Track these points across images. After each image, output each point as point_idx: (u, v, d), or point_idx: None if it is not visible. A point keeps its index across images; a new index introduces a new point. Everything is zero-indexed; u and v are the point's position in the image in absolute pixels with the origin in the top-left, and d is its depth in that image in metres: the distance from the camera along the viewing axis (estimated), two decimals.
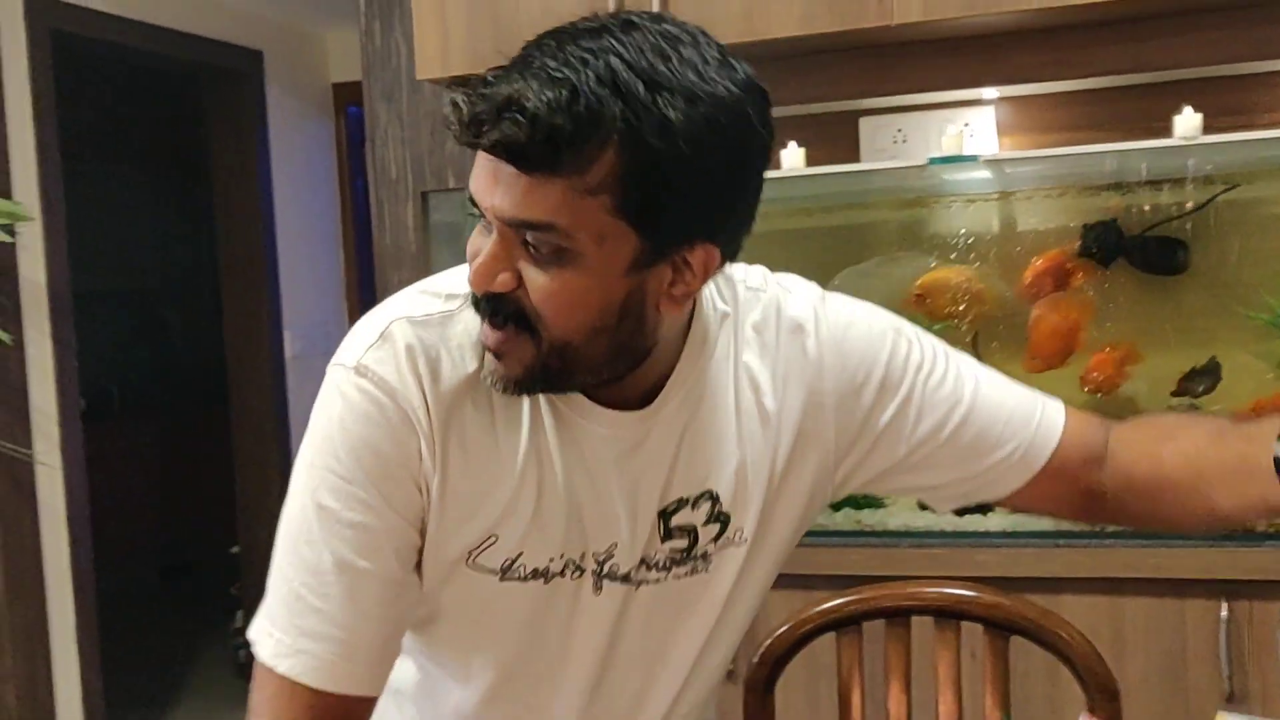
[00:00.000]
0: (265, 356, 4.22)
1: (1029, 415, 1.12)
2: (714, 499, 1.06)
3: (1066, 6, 2.13)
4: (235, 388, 4.30)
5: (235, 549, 4.63)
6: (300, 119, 4.42)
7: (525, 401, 1.00)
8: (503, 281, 0.91)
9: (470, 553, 1.01)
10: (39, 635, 3.31)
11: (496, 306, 0.92)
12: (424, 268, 3.19)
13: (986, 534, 2.17)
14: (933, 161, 2.30)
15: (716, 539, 1.07)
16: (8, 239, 3.00)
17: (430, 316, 1.00)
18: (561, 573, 1.03)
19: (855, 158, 2.49)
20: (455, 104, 0.87)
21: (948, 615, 1.49)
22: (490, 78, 0.87)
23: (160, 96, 4.71)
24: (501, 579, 1.02)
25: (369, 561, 0.97)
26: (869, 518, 2.25)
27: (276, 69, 4.26)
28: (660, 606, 1.08)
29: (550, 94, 0.84)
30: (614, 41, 0.87)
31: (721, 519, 1.06)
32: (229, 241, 4.25)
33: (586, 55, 0.86)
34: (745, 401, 1.06)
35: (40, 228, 3.26)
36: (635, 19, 0.90)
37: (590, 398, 1.01)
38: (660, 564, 1.06)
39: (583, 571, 1.04)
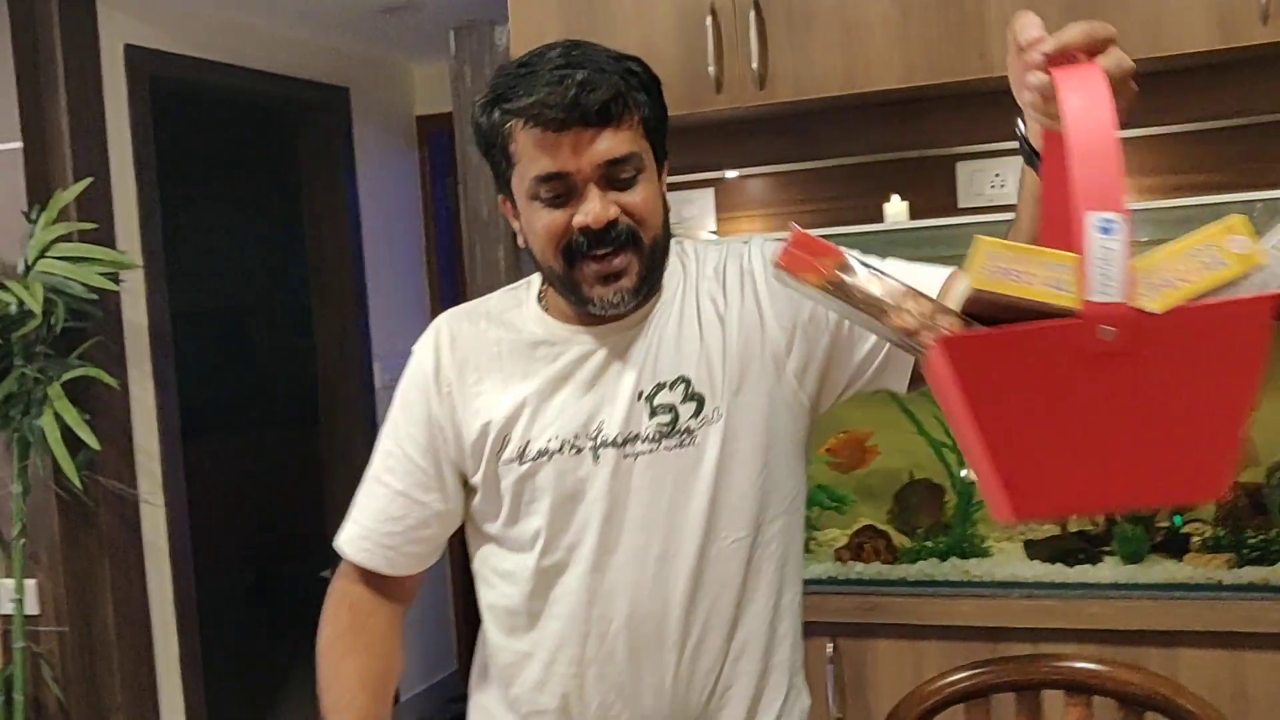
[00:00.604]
0: (356, 386, 4.29)
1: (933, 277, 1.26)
2: (686, 382, 1.36)
3: (1158, 57, 2.11)
4: (326, 416, 4.37)
5: (326, 573, 4.72)
6: (386, 151, 4.49)
7: (527, 349, 1.40)
8: (612, 212, 1.28)
9: (496, 455, 1.39)
10: (146, 667, 3.40)
11: (613, 236, 1.29)
12: None
13: (1098, 585, 2.16)
14: None
15: (695, 415, 1.35)
16: (113, 287, 3.09)
17: (464, 306, 1.49)
18: (561, 450, 1.36)
19: (953, 202, 2.50)
20: (539, 104, 1.25)
21: (1079, 690, 1.49)
22: (517, 86, 1.28)
23: (253, 134, 4.80)
24: (520, 463, 1.38)
25: (389, 478, 1.45)
26: (976, 568, 2.25)
27: (362, 103, 4.32)
28: (658, 476, 1.35)
29: (597, 77, 1.26)
30: (588, 48, 1.31)
31: (697, 399, 1.36)
32: (320, 271, 4.32)
33: (584, 57, 1.29)
34: (706, 313, 1.39)
35: (141, 272, 3.34)
36: (575, 42, 1.32)
37: (585, 323, 1.39)
38: (650, 437, 1.35)
39: (579, 449, 1.36)
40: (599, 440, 1.36)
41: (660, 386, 1.36)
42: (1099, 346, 0.83)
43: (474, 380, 1.41)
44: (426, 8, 3.76)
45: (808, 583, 1.61)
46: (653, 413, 1.35)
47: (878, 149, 2.37)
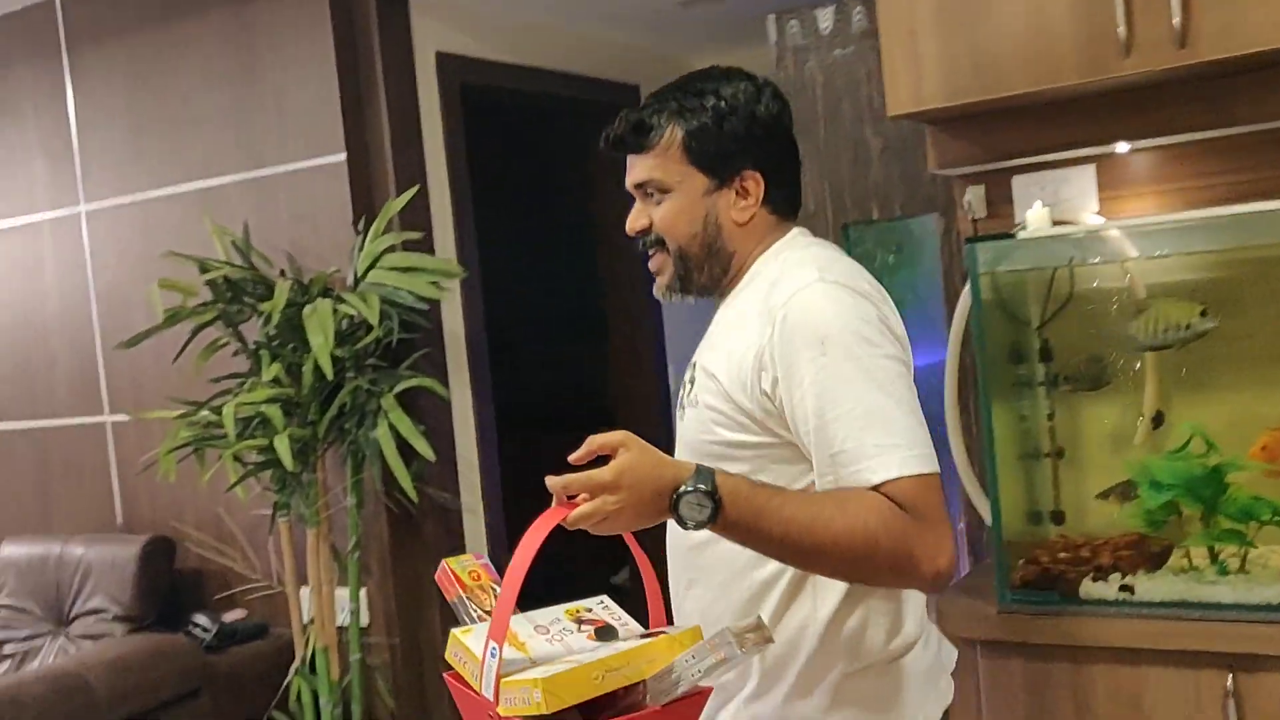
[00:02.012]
0: (650, 391, 4.20)
1: (851, 460, 1.38)
2: (694, 365, 1.59)
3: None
4: (621, 422, 4.30)
5: (616, 577, 4.65)
6: None
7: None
8: (641, 224, 1.58)
9: None
10: None
11: (647, 240, 1.58)
12: None
13: None
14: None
15: (688, 394, 1.58)
16: (442, 296, 3.06)
17: None
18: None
19: None
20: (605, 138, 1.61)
21: None
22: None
23: (547, 136, 4.78)
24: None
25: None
26: None
27: None
28: (685, 430, 1.58)
29: (640, 112, 1.56)
30: (690, 78, 1.58)
31: (693, 381, 1.58)
32: (613, 275, 4.25)
33: (665, 91, 1.57)
34: (741, 323, 1.52)
35: (457, 281, 3.32)
36: (718, 71, 1.58)
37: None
38: (681, 401, 1.61)
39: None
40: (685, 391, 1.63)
41: (694, 363, 1.60)
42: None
43: None
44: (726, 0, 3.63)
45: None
46: (687, 381, 1.61)
47: (1016, 153, 2.19)
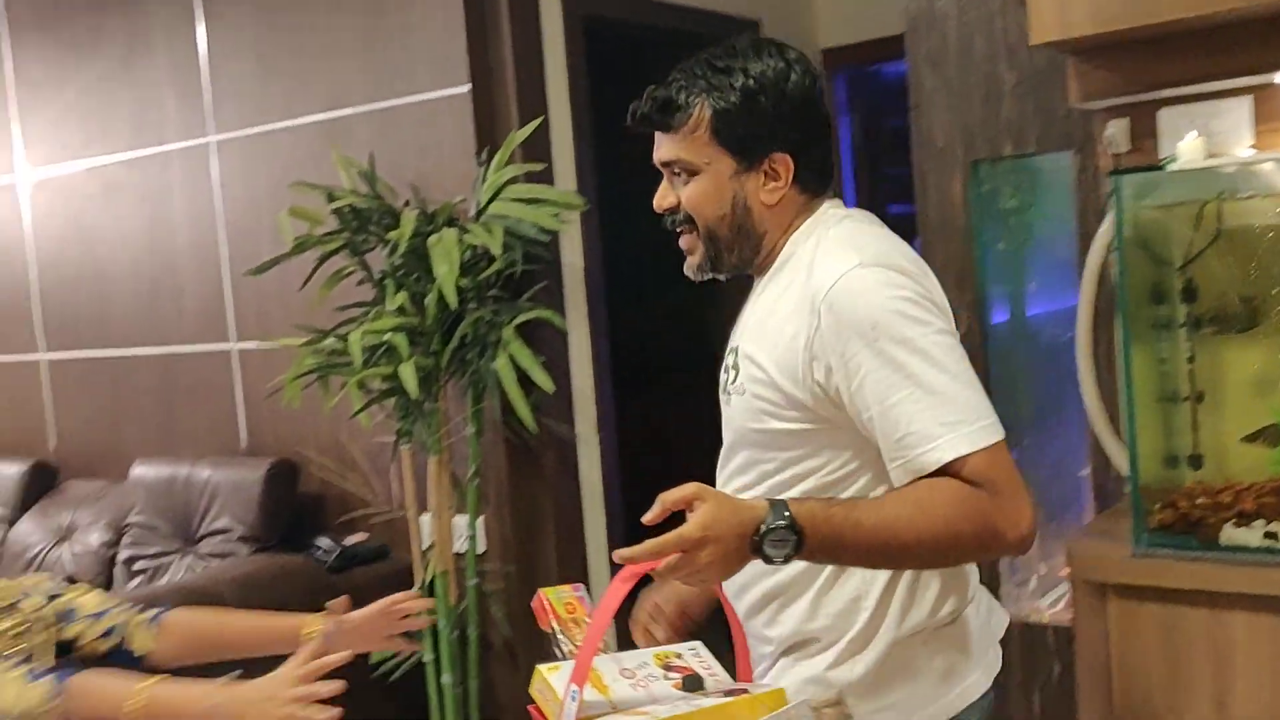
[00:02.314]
0: None
1: (919, 442, 1.39)
2: (735, 351, 1.57)
3: None
4: None
5: None
6: None
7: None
8: (669, 202, 1.56)
9: None
10: None
11: (675, 219, 1.56)
12: (969, 241, 2.98)
13: None
14: None
15: (733, 381, 1.56)
16: (564, 228, 3.07)
17: None
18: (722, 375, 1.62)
19: None
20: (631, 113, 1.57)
21: None
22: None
23: (667, 71, 4.75)
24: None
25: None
26: None
27: (772, 36, 4.16)
28: (729, 418, 1.59)
29: (667, 90, 1.53)
30: (714, 51, 1.54)
31: (737, 369, 1.56)
32: None
33: (694, 64, 1.53)
34: (782, 308, 1.51)
35: (577, 214, 3.31)
36: (738, 43, 1.54)
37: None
38: (725, 386, 1.59)
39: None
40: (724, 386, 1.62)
41: (734, 349, 1.59)
42: None
43: None
44: None
45: None
46: (729, 367, 1.59)
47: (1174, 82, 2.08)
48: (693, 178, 1.53)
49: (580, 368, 3.40)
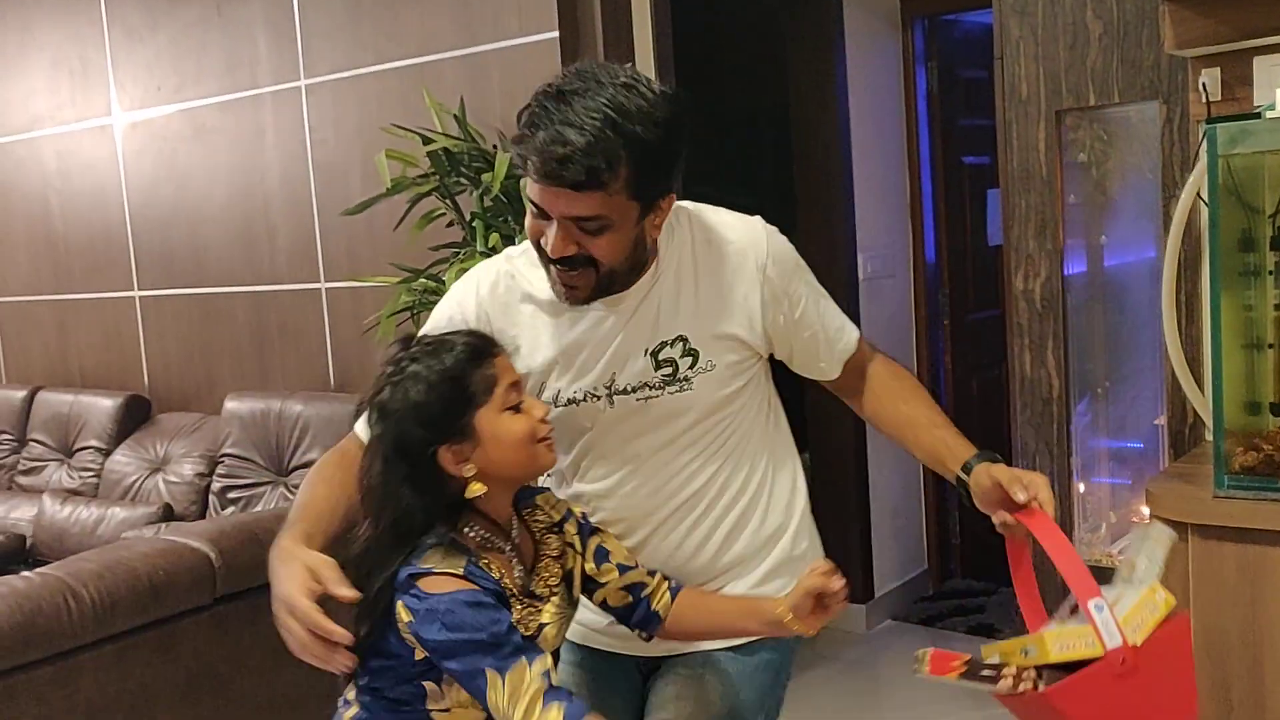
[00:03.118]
0: (841, 277, 4.21)
1: (842, 334, 1.85)
2: (684, 339, 1.73)
3: None
4: None
5: None
6: (872, 37, 4.34)
7: (553, 312, 1.73)
8: (569, 249, 1.60)
9: (536, 392, 1.75)
10: None
11: (568, 263, 1.62)
12: (1054, 193, 3.01)
13: None
14: None
15: (692, 367, 1.73)
16: None
17: (498, 261, 1.82)
18: (585, 399, 1.74)
19: None
20: (534, 163, 1.55)
21: None
22: (528, 131, 1.55)
23: (748, 23, 4.76)
24: (555, 407, 1.74)
25: None
26: None
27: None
28: (664, 412, 1.74)
29: (579, 154, 1.50)
30: (601, 99, 1.52)
31: (693, 354, 1.73)
32: (806, 160, 4.26)
33: (592, 113, 1.52)
34: (703, 280, 1.74)
35: None
36: (602, 78, 1.54)
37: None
38: (656, 385, 1.73)
39: (599, 397, 1.74)
40: (613, 389, 1.73)
41: (663, 344, 1.72)
42: (1119, 670, 1.47)
43: (510, 329, 1.74)
44: None
45: None
46: (658, 366, 1.72)
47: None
48: (604, 230, 1.58)
49: None
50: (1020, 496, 1.64)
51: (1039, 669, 1.55)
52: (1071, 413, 3.07)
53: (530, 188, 1.60)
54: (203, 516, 3.77)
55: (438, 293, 3.02)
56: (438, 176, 3.11)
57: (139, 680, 2.66)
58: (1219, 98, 2.39)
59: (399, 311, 3.10)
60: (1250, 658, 2.11)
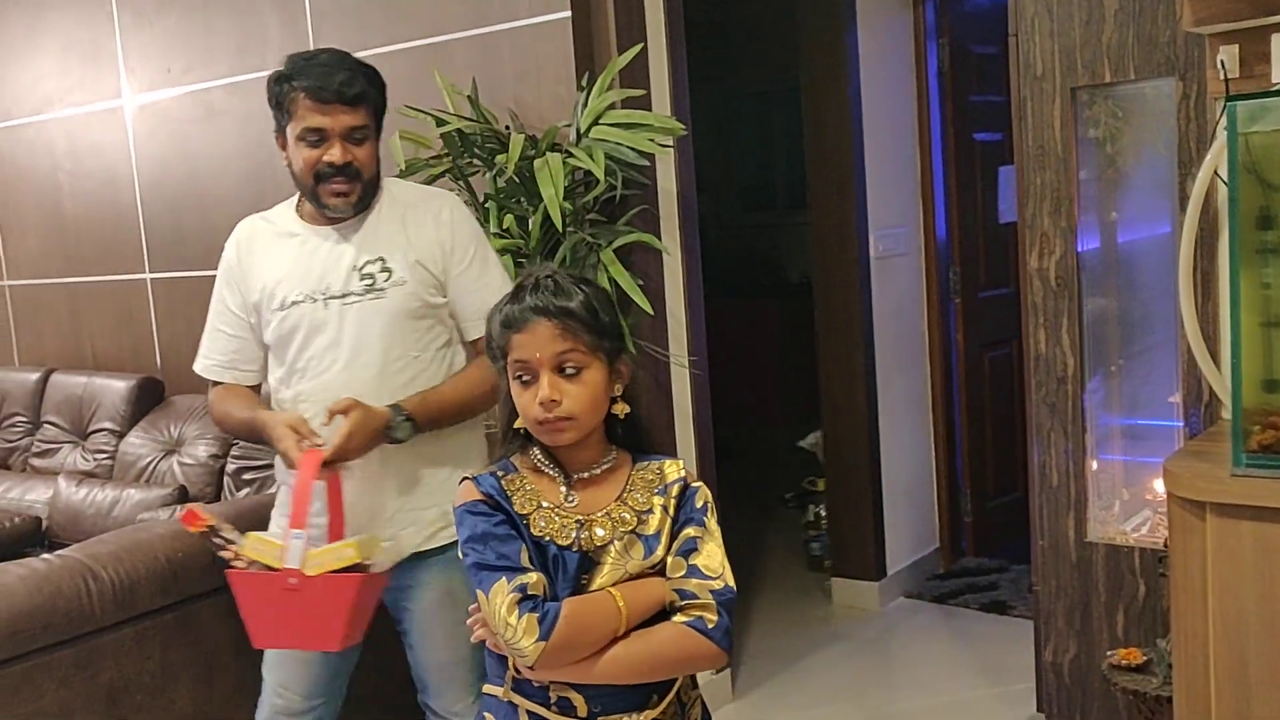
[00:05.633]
0: (852, 256, 4.21)
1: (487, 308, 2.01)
2: (383, 260, 2.36)
3: None
4: (820, 285, 4.33)
5: (804, 442, 4.74)
6: (884, 13, 4.32)
7: (285, 238, 2.42)
8: (348, 157, 2.34)
9: (270, 302, 2.39)
10: None
11: (346, 170, 2.33)
12: (1069, 171, 3.00)
13: None
14: None
15: (388, 280, 2.35)
16: (665, 151, 3.12)
17: (258, 214, 2.53)
18: (301, 301, 2.36)
19: None
20: (316, 87, 2.28)
21: None
22: (303, 65, 2.31)
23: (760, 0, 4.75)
24: (280, 309, 2.38)
25: (223, 327, 2.51)
26: None
27: None
28: (365, 314, 2.35)
29: (352, 77, 2.32)
30: (349, 58, 2.37)
31: (389, 270, 2.36)
32: (818, 139, 4.25)
33: (347, 62, 2.34)
34: (409, 225, 2.40)
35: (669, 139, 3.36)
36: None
37: (321, 223, 2.41)
38: (360, 292, 2.35)
39: (315, 300, 2.35)
40: (327, 295, 2.35)
41: (369, 262, 2.35)
42: (285, 585, 2.12)
43: (251, 261, 2.43)
44: None
45: None
46: (362, 278, 2.35)
47: None
48: (365, 140, 2.33)
49: (673, 291, 3.47)
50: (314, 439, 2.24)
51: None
52: (1085, 390, 3.07)
53: (309, 117, 2.26)
54: (218, 499, 3.78)
55: None
56: (451, 158, 3.10)
57: (159, 662, 2.68)
58: (1237, 74, 2.38)
59: None
60: (1268, 636, 2.11)
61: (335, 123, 2.26)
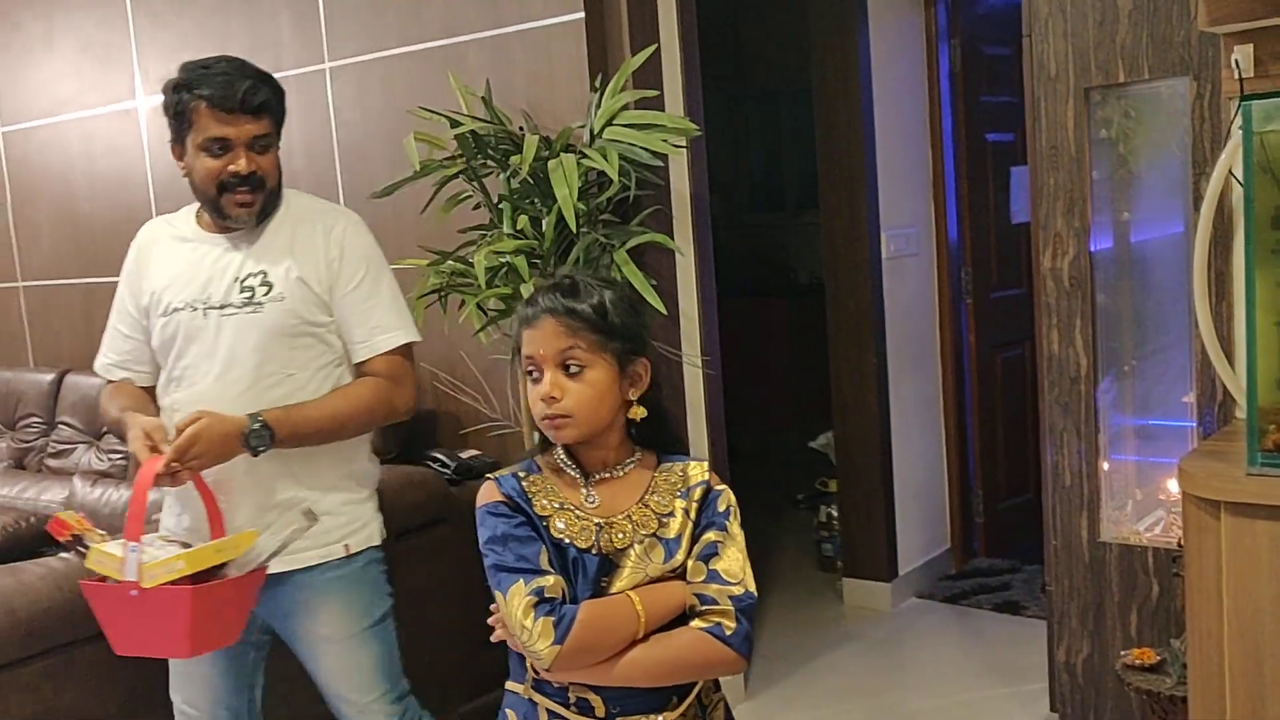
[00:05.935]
0: (863, 256, 4.21)
1: (374, 331, 2.40)
2: (264, 274, 2.33)
3: None
4: (832, 286, 4.34)
5: (816, 442, 4.74)
6: (895, 14, 4.32)
7: (179, 244, 2.40)
8: (253, 167, 2.31)
9: (157, 306, 2.38)
10: None
11: (251, 180, 2.31)
12: (1082, 171, 3.00)
13: None
14: None
15: (267, 295, 2.32)
16: (678, 152, 3.13)
17: (161, 217, 2.53)
18: (183, 308, 2.34)
19: None
20: (219, 96, 2.24)
21: None
22: (203, 74, 2.26)
23: (772, 1, 4.76)
24: (164, 315, 2.36)
25: (122, 326, 2.47)
26: None
27: None
28: (241, 327, 2.32)
29: (256, 86, 2.28)
30: (249, 66, 2.31)
31: (269, 284, 2.32)
32: (829, 139, 4.25)
33: (248, 71, 2.29)
34: (297, 242, 2.37)
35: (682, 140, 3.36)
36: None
37: (216, 232, 2.39)
38: (238, 304, 2.32)
39: (195, 309, 2.33)
40: (207, 304, 2.33)
41: (250, 275, 2.33)
42: (126, 596, 2.08)
43: (146, 264, 2.42)
44: None
45: None
46: (241, 290, 2.32)
47: None
48: (268, 149, 2.31)
49: (686, 292, 3.48)
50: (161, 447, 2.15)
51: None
52: (1098, 390, 3.07)
53: (212, 127, 2.23)
54: None
55: (466, 275, 3.04)
56: (464, 159, 3.12)
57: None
58: (1251, 74, 2.38)
59: (428, 294, 3.12)
60: None
61: (239, 132, 2.24)
